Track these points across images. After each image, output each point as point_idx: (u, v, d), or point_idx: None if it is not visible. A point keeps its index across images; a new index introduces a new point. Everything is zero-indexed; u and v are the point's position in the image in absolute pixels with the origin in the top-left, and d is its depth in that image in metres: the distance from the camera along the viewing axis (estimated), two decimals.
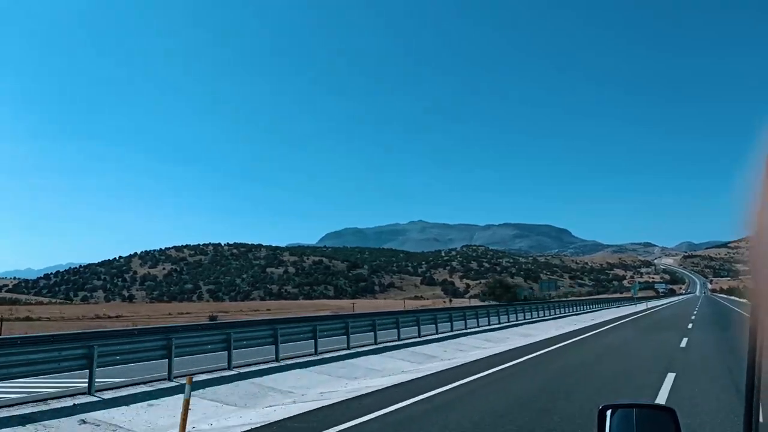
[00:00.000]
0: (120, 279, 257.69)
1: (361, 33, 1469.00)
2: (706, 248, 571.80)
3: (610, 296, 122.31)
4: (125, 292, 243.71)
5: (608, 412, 1.55)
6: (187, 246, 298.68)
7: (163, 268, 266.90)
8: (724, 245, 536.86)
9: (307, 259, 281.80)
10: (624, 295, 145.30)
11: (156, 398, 9.26)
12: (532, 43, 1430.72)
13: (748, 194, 0.85)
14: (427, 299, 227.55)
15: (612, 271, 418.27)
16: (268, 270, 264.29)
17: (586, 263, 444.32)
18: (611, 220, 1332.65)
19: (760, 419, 1.03)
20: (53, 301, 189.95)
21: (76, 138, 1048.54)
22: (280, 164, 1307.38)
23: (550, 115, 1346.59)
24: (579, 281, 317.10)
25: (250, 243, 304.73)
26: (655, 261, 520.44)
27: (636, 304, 61.00)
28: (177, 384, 9.95)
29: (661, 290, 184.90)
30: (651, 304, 73.84)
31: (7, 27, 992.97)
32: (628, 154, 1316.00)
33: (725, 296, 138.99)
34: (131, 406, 8.72)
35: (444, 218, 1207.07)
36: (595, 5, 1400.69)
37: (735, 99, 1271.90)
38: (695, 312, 47.30)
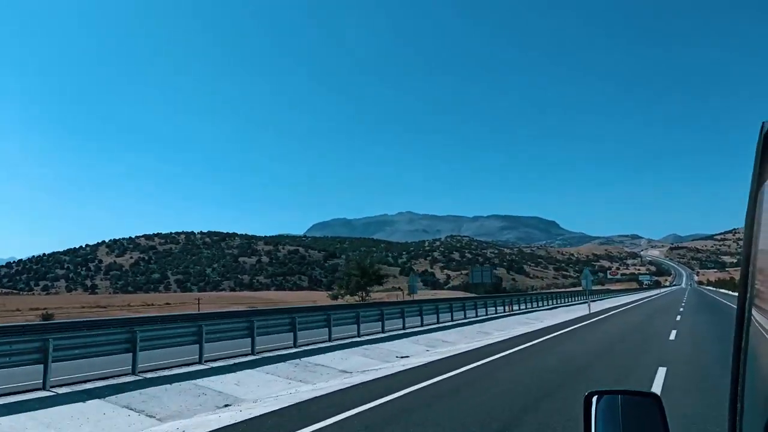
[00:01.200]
0: (84, 268, 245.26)
1: (349, 26, 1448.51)
2: (693, 240, 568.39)
3: (566, 290, 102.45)
4: (88, 282, 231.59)
5: (594, 399, 1.57)
6: (158, 234, 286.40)
7: (131, 257, 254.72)
8: (711, 237, 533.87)
9: (283, 248, 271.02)
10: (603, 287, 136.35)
11: None
12: (521, 36, 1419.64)
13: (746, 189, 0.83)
14: (401, 290, 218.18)
15: (598, 263, 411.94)
16: (241, 260, 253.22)
17: (572, 255, 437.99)
18: (599, 212, 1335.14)
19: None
20: (3, 291, 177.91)
21: (57, 128, 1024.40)
22: (269, 155, 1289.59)
23: (540, 109, 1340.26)
24: (563, 273, 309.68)
25: (224, 232, 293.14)
26: (642, 252, 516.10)
27: (588, 301, 42.65)
28: None
29: (645, 282, 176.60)
30: (618, 300, 60.33)
31: None
32: (617, 147, 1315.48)
33: (714, 289, 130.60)
34: None
35: (432, 210, 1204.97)
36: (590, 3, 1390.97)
37: (724, 93, 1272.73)
38: (680, 313, 36.04)
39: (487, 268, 70.26)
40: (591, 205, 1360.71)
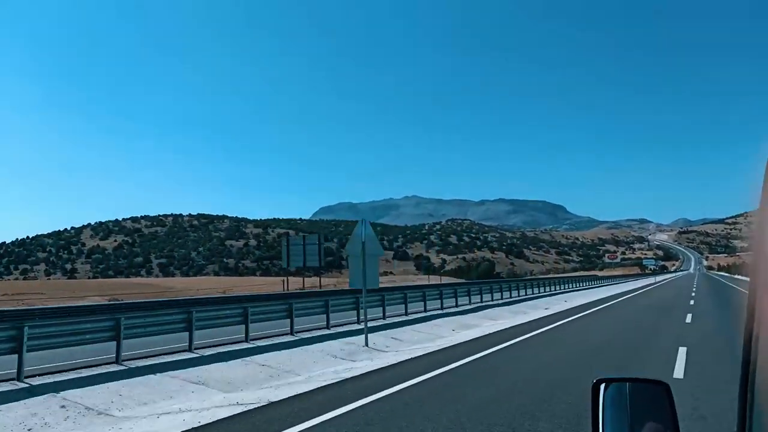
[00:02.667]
0: (66, 251, 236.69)
1: (353, 9, 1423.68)
2: (703, 224, 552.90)
3: (559, 276, 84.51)
4: (68, 266, 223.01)
5: (602, 386, 1.53)
6: (145, 217, 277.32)
7: (114, 240, 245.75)
8: (721, 221, 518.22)
9: (273, 231, 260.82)
10: (605, 272, 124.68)
11: None
12: (526, 17, 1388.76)
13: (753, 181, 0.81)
14: (395, 275, 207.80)
15: (603, 247, 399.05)
16: (228, 243, 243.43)
17: (577, 239, 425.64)
18: (607, 196, 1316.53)
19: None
20: None
21: (60, 107, 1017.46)
22: (276, 138, 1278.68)
23: (547, 91, 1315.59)
24: (566, 257, 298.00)
25: (212, 214, 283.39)
26: (649, 237, 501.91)
27: (559, 294, 34.40)
28: None
29: (651, 266, 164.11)
30: (607, 291, 47.33)
31: None
32: (625, 130, 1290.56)
33: (727, 275, 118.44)
34: None
35: (438, 193, 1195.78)
36: None
37: (734, 73, 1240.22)
38: (689, 313, 25.07)
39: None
40: (599, 189, 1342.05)
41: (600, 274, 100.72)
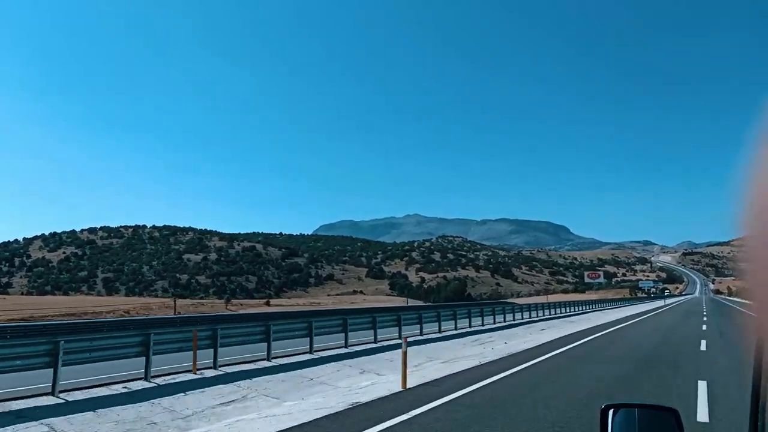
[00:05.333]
0: (7, 264, 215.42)
1: (359, 25, 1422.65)
2: (707, 246, 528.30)
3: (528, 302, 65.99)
4: (5, 280, 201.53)
5: (611, 412, 1.50)
6: (103, 227, 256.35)
7: (63, 253, 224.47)
8: (727, 243, 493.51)
9: (238, 244, 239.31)
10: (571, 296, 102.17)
11: None
12: (532, 33, 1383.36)
13: (747, 192, 0.77)
14: (366, 295, 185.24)
15: (603, 268, 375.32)
16: (185, 257, 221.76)
17: (575, 259, 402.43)
18: (611, 218, 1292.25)
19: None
20: None
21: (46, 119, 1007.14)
22: (279, 155, 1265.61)
23: (552, 111, 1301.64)
24: (560, 278, 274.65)
25: (177, 226, 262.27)
26: (652, 258, 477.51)
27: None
28: None
29: (648, 289, 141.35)
30: (558, 331, 28.80)
31: None
32: (631, 152, 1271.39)
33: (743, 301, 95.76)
34: None
35: (441, 212, 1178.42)
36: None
37: (742, 92, 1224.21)
38: None
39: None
40: (603, 211, 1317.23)
41: (579, 298, 78.32)
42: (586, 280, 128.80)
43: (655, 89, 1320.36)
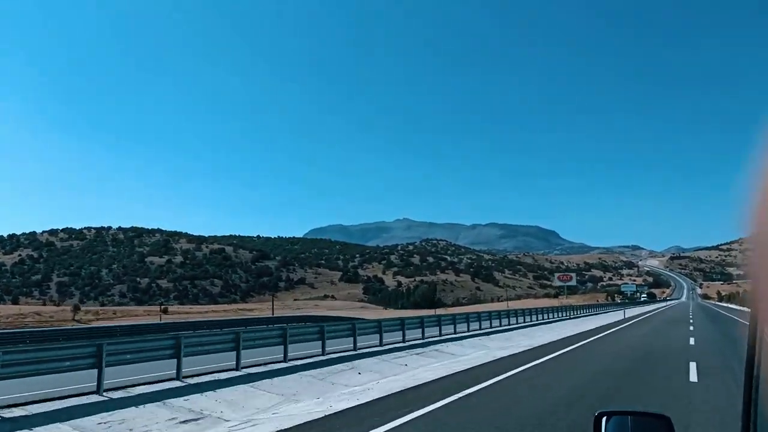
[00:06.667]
0: None
1: (350, 30, 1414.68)
2: (695, 251, 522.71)
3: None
4: None
5: (604, 419, 1.50)
6: (65, 229, 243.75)
7: (19, 255, 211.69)
8: (715, 248, 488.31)
9: (207, 247, 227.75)
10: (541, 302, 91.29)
11: None
12: (522, 39, 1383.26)
13: (748, 194, 0.78)
14: (337, 301, 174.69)
15: (589, 272, 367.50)
16: (148, 260, 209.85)
17: (562, 263, 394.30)
18: (601, 223, 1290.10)
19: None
20: None
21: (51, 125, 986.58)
22: (269, 159, 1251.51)
23: (542, 116, 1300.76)
24: (544, 282, 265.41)
25: (143, 227, 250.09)
26: (639, 263, 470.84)
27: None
28: None
29: (631, 293, 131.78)
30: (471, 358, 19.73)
31: None
32: (620, 157, 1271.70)
33: (738, 308, 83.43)
34: None
35: (430, 217, 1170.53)
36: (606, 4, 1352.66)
37: (728, 97, 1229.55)
38: None
39: None
40: (593, 216, 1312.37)
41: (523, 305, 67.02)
42: (556, 282, 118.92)
43: (643, 96, 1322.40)
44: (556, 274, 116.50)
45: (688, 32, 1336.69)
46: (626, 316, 42.96)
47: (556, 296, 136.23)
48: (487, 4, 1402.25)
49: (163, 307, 70.30)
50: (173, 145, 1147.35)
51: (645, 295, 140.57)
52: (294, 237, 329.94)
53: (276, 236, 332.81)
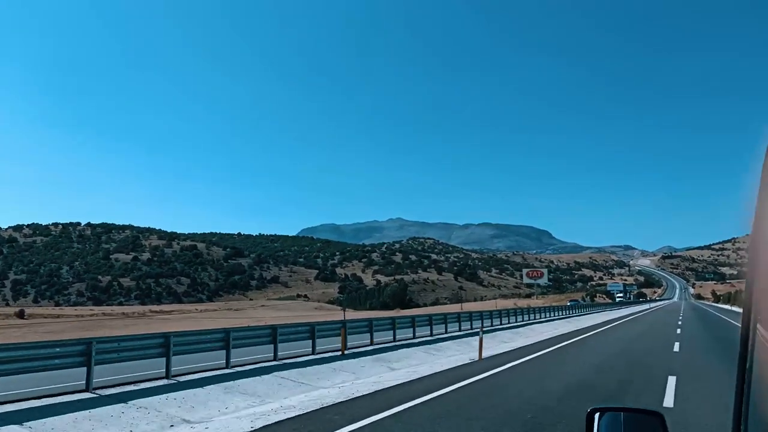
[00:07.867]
0: None
1: (344, 32, 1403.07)
2: (687, 250, 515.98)
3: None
4: None
5: (596, 415, 1.51)
6: (30, 225, 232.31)
7: None
8: (707, 247, 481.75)
9: (178, 244, 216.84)
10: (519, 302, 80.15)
11: None
12: (515, 42, 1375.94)
13: (746, 195, 0.78)
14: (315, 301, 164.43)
15: (579, 272, 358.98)
16: (113, 257, 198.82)
17: (552, 262, 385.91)
18: (593, 223, 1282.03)
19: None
20: None
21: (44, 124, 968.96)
22: (261, 159, 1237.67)
23: (535, 116, 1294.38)
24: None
25: (113, 223, 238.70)
26: (631, 262, 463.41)
27: None
28: None
29: (618, 293, 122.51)
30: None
31: None
32: (612, 157, 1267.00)
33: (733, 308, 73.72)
34: None
35: (423, 216, 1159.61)
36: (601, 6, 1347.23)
37: (722, 99, 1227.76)
38: None
39: None
40: (585, 216, 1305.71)
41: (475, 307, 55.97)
42: (525, 280, 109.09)
43: (636, 99, 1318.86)
44: (525, 270, 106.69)
45: (679, 36, 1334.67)
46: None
47: (529, 296, 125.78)
48: (479, 7, 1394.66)
49: (16, 311, 58.90)
50: (173, 145, 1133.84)
51: (621, 294, 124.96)
52: (275, 234, 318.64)
53: (257, 234, 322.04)
